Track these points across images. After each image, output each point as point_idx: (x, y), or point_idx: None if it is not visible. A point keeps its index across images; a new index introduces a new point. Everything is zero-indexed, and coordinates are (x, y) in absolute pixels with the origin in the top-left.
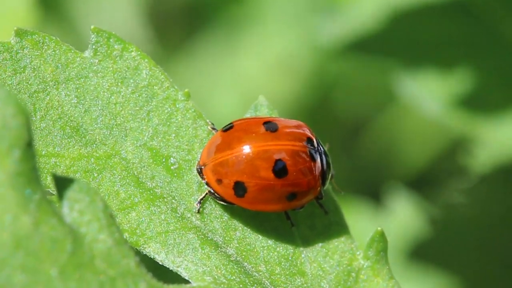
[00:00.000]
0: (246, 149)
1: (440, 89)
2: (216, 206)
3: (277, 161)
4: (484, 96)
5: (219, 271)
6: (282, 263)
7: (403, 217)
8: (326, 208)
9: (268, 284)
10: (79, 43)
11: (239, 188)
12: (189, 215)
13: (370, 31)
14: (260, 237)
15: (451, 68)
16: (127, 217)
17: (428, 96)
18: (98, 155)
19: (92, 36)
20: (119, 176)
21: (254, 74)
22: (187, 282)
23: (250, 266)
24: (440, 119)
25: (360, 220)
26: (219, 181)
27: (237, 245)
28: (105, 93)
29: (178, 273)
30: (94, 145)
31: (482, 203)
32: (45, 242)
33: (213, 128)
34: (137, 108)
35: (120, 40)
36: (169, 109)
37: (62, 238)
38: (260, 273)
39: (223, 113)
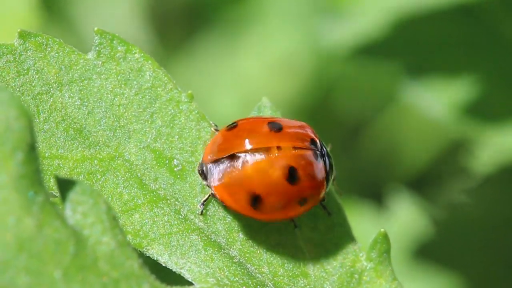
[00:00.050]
0: (255, 156)
1: (443, 92)
2: (219, 208)
3: (289, 167)
4: (487, 98)
5: (222, 273)
6: (285, 265)
7: (405, 218)
8: (329, 210)
9: (271, 285)
10: (79, 44)
11: (255, 201)
12: (192, 216)
13: (373, 35)
14: (263, 238)
15: (455, 70)
16: (130, 219)
17: (431, 99)
18: (101, 157)
19: (96, 37)
20: (123, 178)
21: (254, 74)
22: (190, 283)
23: (253, 268)
24: (444, 121)
25: (362, 222)
26: (233, 196)
27: (240, 246)
28: (109, 95)
29: (181, 274)
30: (98, 147)
31: (486, 204)
32: (48, 244)
33: (216, 130)
34: (141, 110)
35: (123, 42)
36: (172, 111)
37: (65, 240)
38: (263, 274)
39: (223, 114)
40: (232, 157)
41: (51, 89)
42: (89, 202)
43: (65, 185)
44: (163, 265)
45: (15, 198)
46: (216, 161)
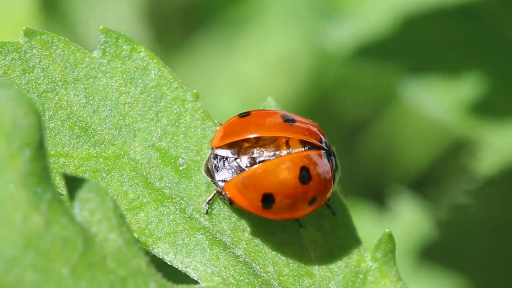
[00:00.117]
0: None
1: (444, 92)
2: (225, 207)
3: (302, 167)
4: (488, 98)
5: (227, 272)
6: (290, 264)
7: (408, 219)
8: (334, 209)
9: (277, 285)
10: (78, 43)
11: (267, 200)
12: (197, 215)
13: (374, 35)
14: (268, 238)
15: (455, 71)
16: (135, 217)
17: (432, 99)
18: (106, 155)
19: (101, 36)
20: (128, 177)
21: (254, 74)
22: (196, 282)
23: (258, 267)
24: (445, 122)
25: (364, 223)
26: (245, 195)
27: (246, 246)
28: (114, 94)
29: (187, 273)
30: (103, 145)
31: (489, 205)
32: (56, 241)
33: None
34: (146, 109)
35: (129, 41)
36: (177, 110)
37: (73, 238)
38: (269, 274)
39: (222, 113)
40: (244, 152)
41: (57, 87)
42: (96, 200)
43: (73, 183)
44: (169, 264)
45: (22, 195)
46: (226, 149)
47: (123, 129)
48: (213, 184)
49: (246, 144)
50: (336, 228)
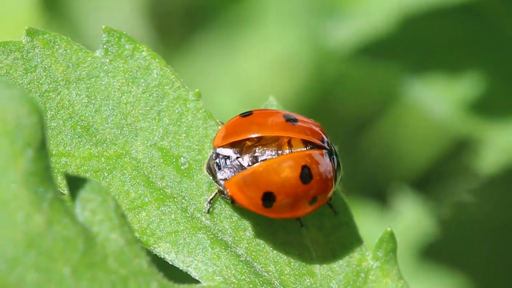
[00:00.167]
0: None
1: (446, 90)
2: (226, 206)
3: (304, 166)
4: (490, 97)
5: (229, 271)
6: (292, 263)
7: (410, 217)
8: (336, 208)
9: (278, 284)
10: (80, 42)
11: (268, 199)
12: (199, 215)
13: (375, 34)
14: (270, 237)
15: (457, 69)
16: (137, 216)
17: (434, 98)
18: (108, 154)
19: (103, 35)
20: (129, 176)
21: (254, 74)
22: (197, 282)
23: (259, 266)
24: (447, 120)
25: (366, 222)
26: (246, 193)
27: (247, 245)
28: (116, 93)
29: (188, 273)
30: (105, 144)
31: (491, 204)
32: (57, 241)
33: None
34: (148, 108)
35: (131, 40)
36: (179, 109)
37: (74, 237)
38: (270, 273)
39: (222, 113)
40: (246, 151)
41: (59, 86)
42: (98, 200)
43: (74, 183)
44: (170, 263)
45: (24, 195)
46: (228, 148)
47: (125, 129)
48: (215, 183)
49: (248, 144)
50: (338, 227)
